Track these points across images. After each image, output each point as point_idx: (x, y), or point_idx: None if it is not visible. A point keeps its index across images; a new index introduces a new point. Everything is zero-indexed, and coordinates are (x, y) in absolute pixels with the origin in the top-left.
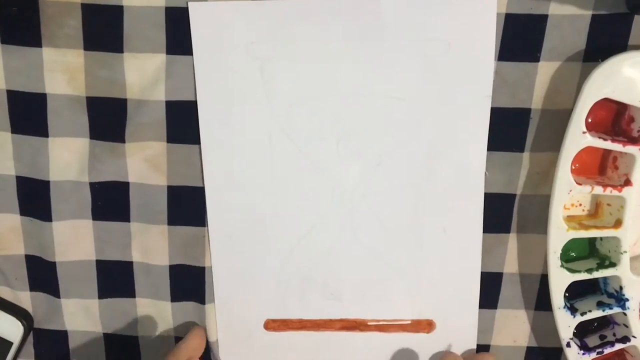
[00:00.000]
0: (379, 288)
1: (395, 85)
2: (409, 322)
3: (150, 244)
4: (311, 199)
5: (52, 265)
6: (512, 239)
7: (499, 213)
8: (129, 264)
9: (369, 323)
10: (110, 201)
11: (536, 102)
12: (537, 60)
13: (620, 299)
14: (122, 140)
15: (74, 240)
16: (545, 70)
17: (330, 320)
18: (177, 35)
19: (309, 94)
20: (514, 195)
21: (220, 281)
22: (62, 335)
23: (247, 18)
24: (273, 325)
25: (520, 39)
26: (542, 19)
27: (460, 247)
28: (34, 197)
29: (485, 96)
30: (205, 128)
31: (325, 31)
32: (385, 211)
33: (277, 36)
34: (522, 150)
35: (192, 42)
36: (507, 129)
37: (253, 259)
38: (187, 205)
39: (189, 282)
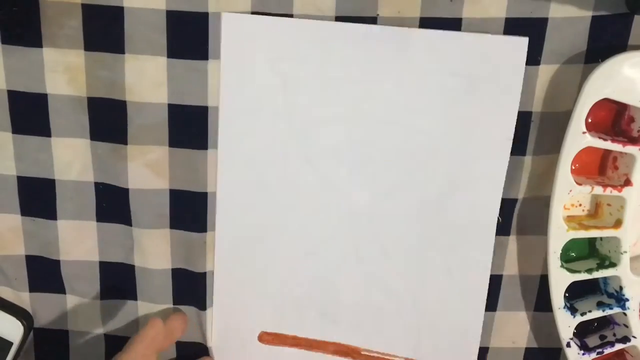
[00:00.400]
0: (376, 318)
1: (416, 117)
2: (402, 359)
3: (152, 248)
4: (319, 218)
5: (56, 264)
6: (511, 242)
7: (500, 216)
8: (131, 267)
9: (362, 352)
10: (114, 203)
11: (537, 105)
12: (537, 63)
13: (620, 299)
14: (124, 142)
15: (78, 240)
16: (546, 73)
17: (325, 342)
18: (178, 39)
19: (328, 115)
20: (515, 200)
21: (221, 288)
22: (63, 335)
23: (275, 34)
24: (267, 338)
25: None
26: (542, 22)
27: (464, 290)
28: (38, 197)
29: (507, 139)
30: (224, 135)
31: (350, 56)
32: (390, 241)
33: (302, 55)
34: (523, 154)
35: (221, 51)
36: None
37: (256, 270)
38: (188, 210)
39: (190, 287)
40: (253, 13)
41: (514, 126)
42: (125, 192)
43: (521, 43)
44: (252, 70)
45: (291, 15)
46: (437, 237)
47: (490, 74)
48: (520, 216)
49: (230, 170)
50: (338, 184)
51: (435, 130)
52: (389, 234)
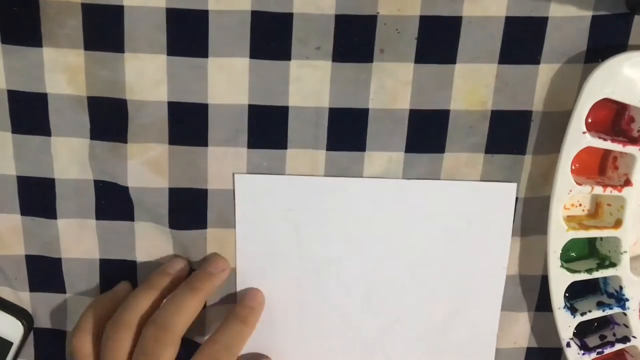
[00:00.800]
0: None
1: (417, 253)
2: None
3: (153, 245)
4: (334, 347)
5: (57, 262)
6: (513, 242)
7: None
8: (132, 264)
9: None
10: (114, 201)
11: (537, 105)
12: (537, 62)
13: (620, 299)
14: (124, 140)
15: (79, 238)
16: (546, 72)
17: None
18: (178, 37)
19: (338, 255)
20: (515, 200)
21: None
22: (63, 335)
23: (284, 190)
24: None
25: (520, 41)
26: (542, 21)
27: None
28: (38, 196)
29: (502, 268)
30: (242, 285)
31: (355, 206)
32: None
33: (310, 206)
34: (523, 153)
35: (236, 208)
36: (509, 132)
37: None
38: (188, 207)
39: None
40: (253, 12)
41: (507, 257)
42: (125, 189)
43: (510, 188)
44: (266, 220)
45: (291, 15)
46: (443, 355)
47: (484, 216)
48: (522, 217)
49: None
50: (349, 315)
51: (436, 263)
52: (399, 356)
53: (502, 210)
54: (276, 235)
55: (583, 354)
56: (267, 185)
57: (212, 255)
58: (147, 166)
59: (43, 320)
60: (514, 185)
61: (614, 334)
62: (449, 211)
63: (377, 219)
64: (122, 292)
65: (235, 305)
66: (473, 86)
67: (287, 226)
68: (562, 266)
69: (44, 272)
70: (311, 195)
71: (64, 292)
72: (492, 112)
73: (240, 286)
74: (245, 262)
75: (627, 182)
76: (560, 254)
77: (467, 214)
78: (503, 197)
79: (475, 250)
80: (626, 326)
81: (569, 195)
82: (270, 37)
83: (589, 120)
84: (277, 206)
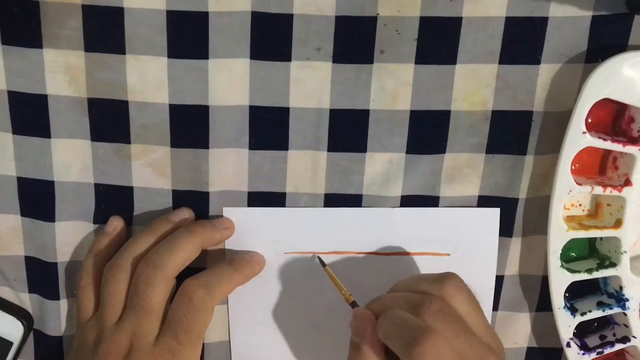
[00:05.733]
0: None
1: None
2: None
3: None
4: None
5: (52, 267)
6: (513, 242)
7: (501, 217)
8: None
9: None
10: (114, 204)
11: (538, 105)
12: (538, 62)
13: (620, 299)
14: (125, 142)
15: (76, 242)
16: (546, 72)
17: None
18: (178, 39)
19: (327, 283)
20: (516, 200)
21: None
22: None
23: (272, 221)
24: None
25: (521, 41)
26: (543, 21)
27: None
28: (37, 198)
29: (489, 289)
30: (233, 310)
31: (340, 237)
32: None
33: (297, 237)
34: (524, 153)
35: (225, 242)
36: (509, 132)
37: None
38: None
39: None
40: (253, 13)
41: (494, 285)
42: (127, 192)
43: (494, 214)
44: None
45: (291, 16)
46: None
47: (468, 241)
48: (523, 217)
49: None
50: (340, 343)
51: None
52: None
53: (487, 234)
54: (265, 266)
55: (583, 354)
56: (255, 216)
57: (222, 217)
58: (150, 168)
59: (41, 322)
60: (497, 211)
61: (614, 334)
62: (435, 237)
63: (364, 247)
64: (116, 230)
65: None
66: (473, 87)
67: (277, 257)
68: (562, 266)
69: (41, 274)
70: (298, 226)
71: (58, 298)
72: (493, 112)
73: (231, 313)
74: (235, 293)
75: (627, 182)
76: (560, 254)
77: (452, 239)
78: (487, 221)
79: (462, 274)
80: (626, 326)
81: (569, 195)
82: (271, 38)
83: (589, 120)
84: (265, 238)
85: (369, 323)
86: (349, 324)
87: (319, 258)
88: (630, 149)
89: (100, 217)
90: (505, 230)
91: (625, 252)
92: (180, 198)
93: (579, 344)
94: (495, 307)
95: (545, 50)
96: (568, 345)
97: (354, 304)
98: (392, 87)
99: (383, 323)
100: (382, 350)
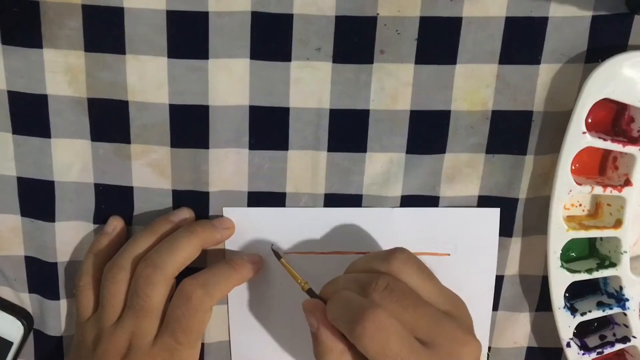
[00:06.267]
0: None
1: None
2: None
3: None
4: None
5: (53, 267)
6: (514, 242)
7: (501, 217)
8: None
9: None
10: (114, 204)
11: (538, 105)
12: (538, 62)
13: (620, 299)
14: (126, 143)
15: (76, 242)
16: (546, 72)
17: None
18: (178, 39)
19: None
20: (516, 200)
21: None
22: (60, 338)
23: (271, 222)
24: None
25: (521, 41)
26: (543, 21)
27: None
28: (37, 198)
29: (489, 289)
30: (233, 310)
31: (340, 237)
32: None
33: (297, 237)
34: (524, 153)
35: (225, 242)
36: (509, 132)
37: None
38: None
39: None
40: (253, 13)
41: (494, 285)
42: (127, 192)
43: (494, 214)
44: (253, 252)
45: (291, 16)
46: None
47: (468, 241)
48: (523, 217)
49: (244, 346)
50: None
51: None
52: None
53: (487, 234)
54: (265, 266)
55: (583, 354)
56: (255, 217)
57: (222, 217)
58: (150, 168)
59: (41, 322)
60: (497, 211)
61: (614, 334)
62: (435, 237)
63: (364, 247)
64: (116, 230)
65: None
66: (473, 87)
67: (275, 257)
68: (562, 266)
69: (41, 274)
70: (298, 226)
71: (58, 298)
72: (493, 112)
73: (232, 311)
74: (235, 293)
75: (627, 182)
76: (560, 254)
77: (452, 239)
78: (487, 221)
79: (462, 273)
80: (626, 326)
81: (569, 195)
82: (271, 38)
83: (589, 120)
84: (265, 238)
85: (317, 310)
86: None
87: (273, 250)
88: (630, 149)
89: (100, 217)
90: (505, 230)
91: (625, 252)
92: (180, 198)
93: (579, 344)
94: (495, 307)
95: (545, 50)
96: (568, 345)
97: (310, 292)
98: (392, 87)
99: (330, 306)
100: (339, 332)
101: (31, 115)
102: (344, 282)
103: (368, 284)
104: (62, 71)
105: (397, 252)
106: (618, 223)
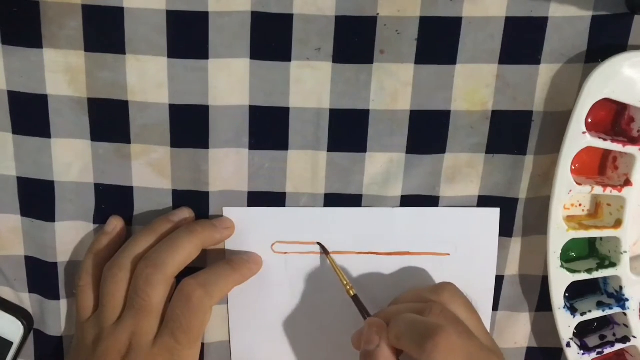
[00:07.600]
0: None
1: (405, 279)
2: None
3: None
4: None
5: (53, 267)
6: (514, 242)
7: (501, 217)
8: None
9: None
10: (114, 204)
11: (538, 105)
12: (538, 62)
13: (620, 299)
14: (126, 142)
15: (76, 242)
16: (546, 72)
17: None
18: (178, 39)
19: (326, 283)
20: (516, 200)
21: None
22: (60, 338)
23: (272, 221)
24: None
25: (520, 42)
26: (542, 21)
27: None
28: (37, 198)
29: (489, 289)
30: (233, 313)
31: (340, 237)
32: None
33: (298, 237)
34: (524, 153)
35: (225, 241)
36: (509, 132)
37: None
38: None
39: None
40: (253, 13)
41: (494, 285)
42: (127, 192)
43: (494, 214)
44: (254, 252)
45: (291, 16)
46: None
47: (468, 241)
48: (523, 217)
49: (243, 344)
50: (341, 338)
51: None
52: None
53: (487, 234)
54: (266, 268)
55: (583, 354)
56: (255, 216)
57: (222, 217)
58: (150, 168)
59: (41, 322)
60: (496, 211)
61: (614, 334)
62: (435, 237)
63: (364, 247)
64: (116, 230)
65: None
66: (473, 87)
67: (276, 257)
68: (562, 266)
69: (41, 274)
70: (298, 226)
71: (58, 298)
72: (493, 112)
73: (232, 311)
74: (235, 293)
75: (627, 182)
76: (560, 254)
77: (452, 239)
78: (487, 221)
79: (462, 273)
80: (626, 326)
81: (569, 195)
82: (271, 38)
83: (589, 120)
84: (265, 238)
85: (382, 330)
86: (352, 337)
87: (320, 245)
88: (630, 149)
89: (100, 217)
90: (505, 230)
91: (625, 252)
92: (180, 198)
93: (579, 344)
94: (495, 307)
95: (545, 50)
96: (568, 345)
97: (355, 298)
98: (392, 87)
99: (395, 326)
100: (395, 357)
101: (31, 115)
102: (397, 310)
103: (423, 310)
104: (62, 71)
105: (447, 285)
106: (618, 223)
